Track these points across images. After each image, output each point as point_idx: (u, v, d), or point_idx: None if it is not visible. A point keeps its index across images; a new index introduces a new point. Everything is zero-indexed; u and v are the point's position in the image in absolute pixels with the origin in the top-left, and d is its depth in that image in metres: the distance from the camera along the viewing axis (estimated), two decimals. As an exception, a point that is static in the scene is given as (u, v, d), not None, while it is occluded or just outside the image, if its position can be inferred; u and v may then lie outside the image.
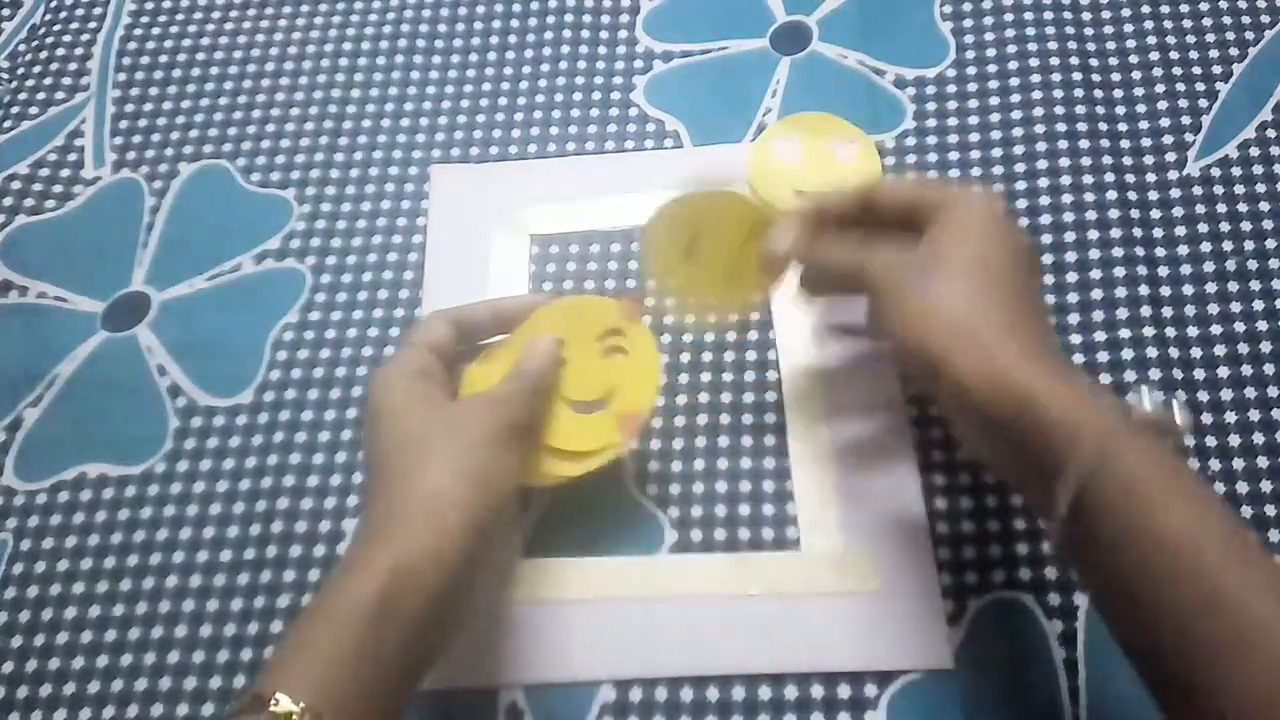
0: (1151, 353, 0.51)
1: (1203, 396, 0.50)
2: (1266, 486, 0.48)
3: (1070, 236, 0.54)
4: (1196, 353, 0.51)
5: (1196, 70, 0.59)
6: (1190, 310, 0.52)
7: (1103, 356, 0.51)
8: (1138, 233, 0.54)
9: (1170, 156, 0.57)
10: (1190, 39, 0.60)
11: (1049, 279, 0.53)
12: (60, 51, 0.67)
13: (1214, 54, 0.60)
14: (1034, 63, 0.60)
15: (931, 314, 0.41)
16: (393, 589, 0.37)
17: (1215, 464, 0.49)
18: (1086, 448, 0.36)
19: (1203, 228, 0.55)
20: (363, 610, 0.37)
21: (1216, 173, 0.56)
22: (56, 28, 0.68)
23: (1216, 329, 0.52)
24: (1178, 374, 0.51)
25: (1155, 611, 0.36)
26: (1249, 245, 0.54)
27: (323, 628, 0.37)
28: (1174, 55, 0.60)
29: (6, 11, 0.70)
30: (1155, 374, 0.50)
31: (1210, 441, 0.49)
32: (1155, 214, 0.55)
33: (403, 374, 0.44)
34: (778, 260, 0.46)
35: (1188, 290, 0.53)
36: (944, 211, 0.44)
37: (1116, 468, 0.36)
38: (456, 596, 0.39)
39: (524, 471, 0.45)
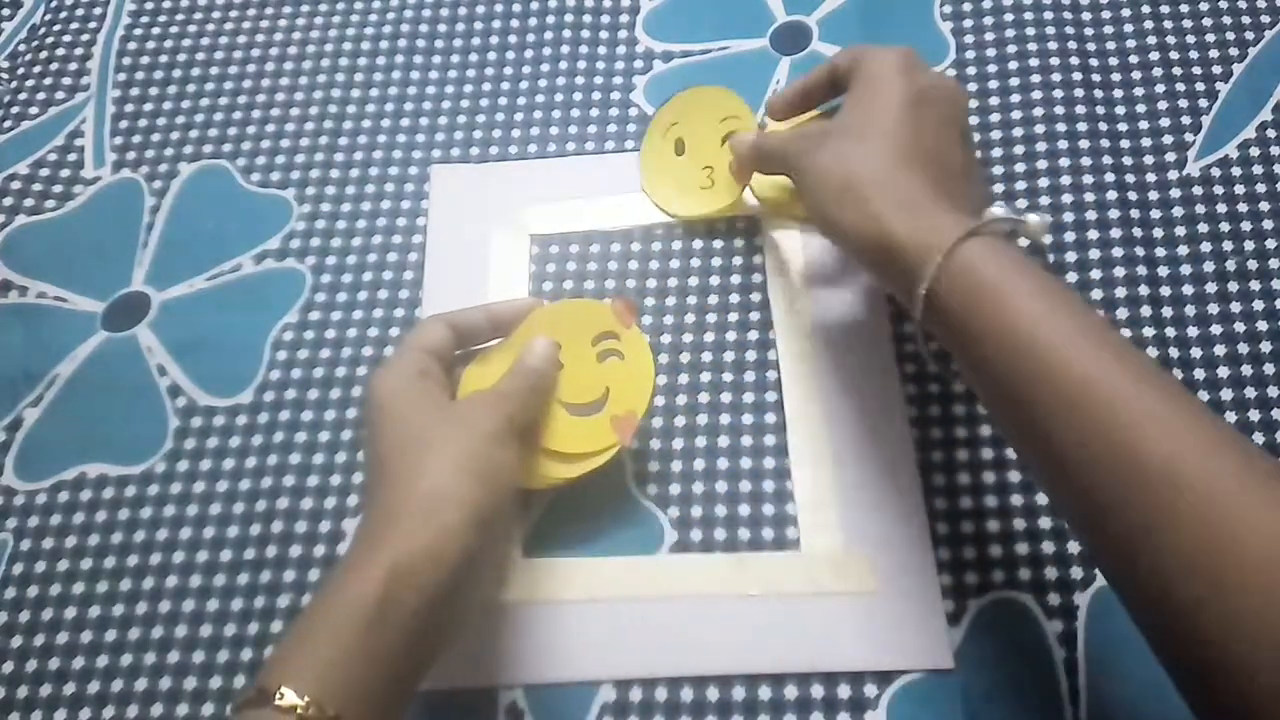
0: (1151, 353, 0.51)
1: (1203, 396, 0.50)
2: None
3: (1070, 236, 0.54)
4: (1196, 353, 0.51)
5: (1196, 70, 0.59)
6: (1190, 310, 0.52)
7: (1103, 356, 0.51)
8: (1138, 233, 0.54)
9: (1170, 156, 0.57)
10: (1190, 39, 0.60)
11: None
12: (60, 51, 0.67)
13: (1214, 54, 0.60)
14: (1034, 63, 0.60)
15: (824, 174, 0.45)
16: (393, 587, 0.37)
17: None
18: (932, 258, 0.40)
19: (1203, 228, 0.55)
20: (363, 608, 0.37)
21: (1216, 173, 0.56)
22: (56, 28, 0.68)
23: (1216, 329, 0.52)
24: (1178, 373, 0.51)
25: (1012, 402, 0.38)
26: (1249, 245, 0.54)
27: (324, 626, 0.37)
28: (1174, 55, 0.60)
29: (6, 11, 0.70)
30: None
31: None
32: (1155, 214, 0.55)
33: (401, 375, 0.44)
34: (742, 157, 0.54)
35: (1188, 290, 0.53)
36: (854, 72, 0.48)
37: (955, 267, 0.40)
38: (457, 594, 0.40)
39: (521, 474, 0.45)
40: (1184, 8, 0.61)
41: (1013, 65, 0.60)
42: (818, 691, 0.45)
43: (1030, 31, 0.61)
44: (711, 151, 0.57)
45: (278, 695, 0.35)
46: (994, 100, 0.59)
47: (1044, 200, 0.55)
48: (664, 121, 0.59)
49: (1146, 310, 0.52)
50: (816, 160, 0.46)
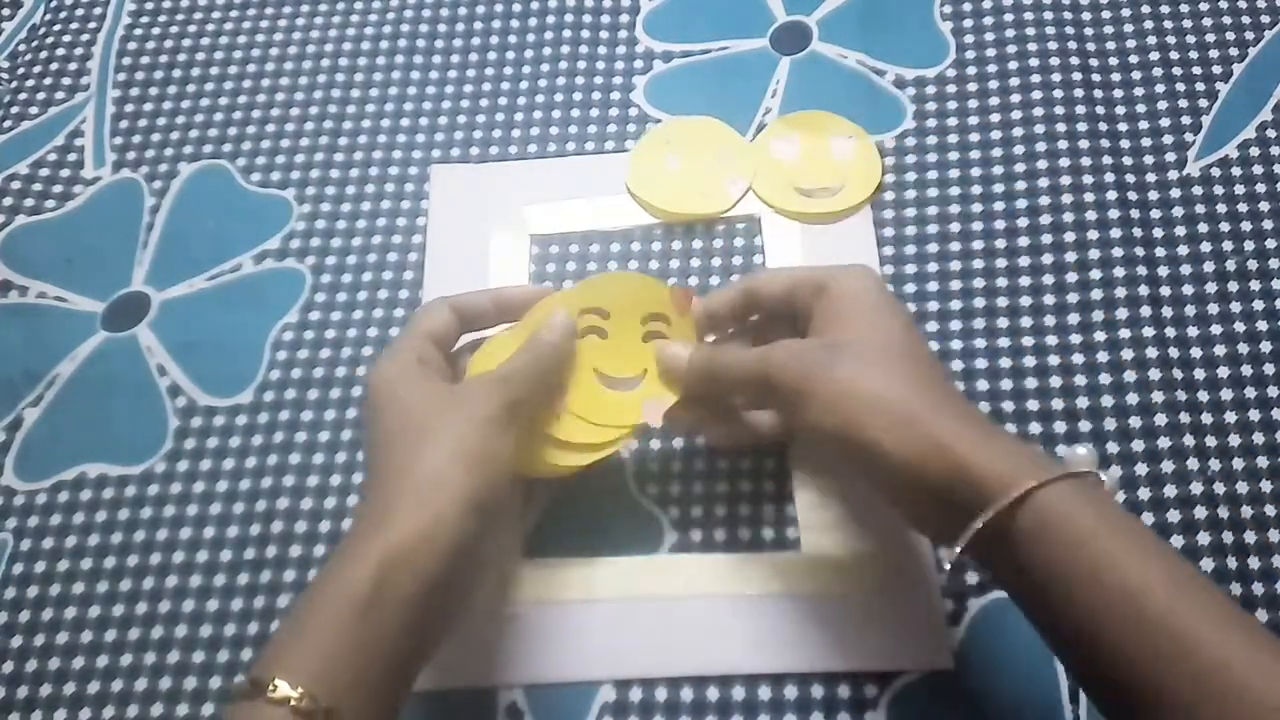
0: (1151, 353, 0.51)
1: (1203, 396, 0.50)
2: (1267, 486, 0.48)
3: (1070, 236, 0.54)
4: (1196, 353, 0.51)
5: (1196, 70, 0.59)
6: (1190, 310, 0.52)
7: (1102, 356, 0.51)
8: (1138, 233, 0.54)
9: (1170, 156, 0.57)
10: (1190, 39, 0.60)
11: (1049, 279, 0.53)
12: (60, 51, 0.67)
13: (1214, 54, 0.60)
14: (1034, 63, 0.60)
15: (851, 397, 0.40)
16: (386, 574, 0.37)
17: (1215, 464, 0.49)
18: (1008, 491, 0.36)
19: (1203, 228, 0.55)
20: (356, 597, 0.36)
21: (1216, 173, 0.56)
22: (56, 28, 0.68)
23: (1216, 329, 0.52)
24: (1177, 374, 0.51)
25: (1093, 646, 0.35)
26: (1249, 245, 0.54)
27: (317, 616, 0.37)
28: (1174, 55, 0.60)
29: (6, 11, 0.70)
30: (1155, 374, 0.50)
31: (1210, 441, 0.49)
32: (1155, 214, 0.55)
33: (401, 360, 0.43)
34: (677, 374, 0.46)
35: (1188, 290, 0.53)
36: (826, 294, 0.43)
37: (1040, 505, 0.36)
38: (453, 582, 0.39)
39: (523, 461, 0.44)
40: (1184, 8, 0.61)
41: (1013, 65, 0.60)
42: (818, 691, 0.45)
43: (1030, 31, 0.61)
44: (634, 352, 0.48)
45: (271, 687, 0.34)
46: (994, 100, 0.59)
47: (1044, 200, 0.55)
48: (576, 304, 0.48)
49: (1146, 310, 0.52)
50: (834, 381, 0.40)
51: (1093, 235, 0.54)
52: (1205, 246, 0.54)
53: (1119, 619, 0.34)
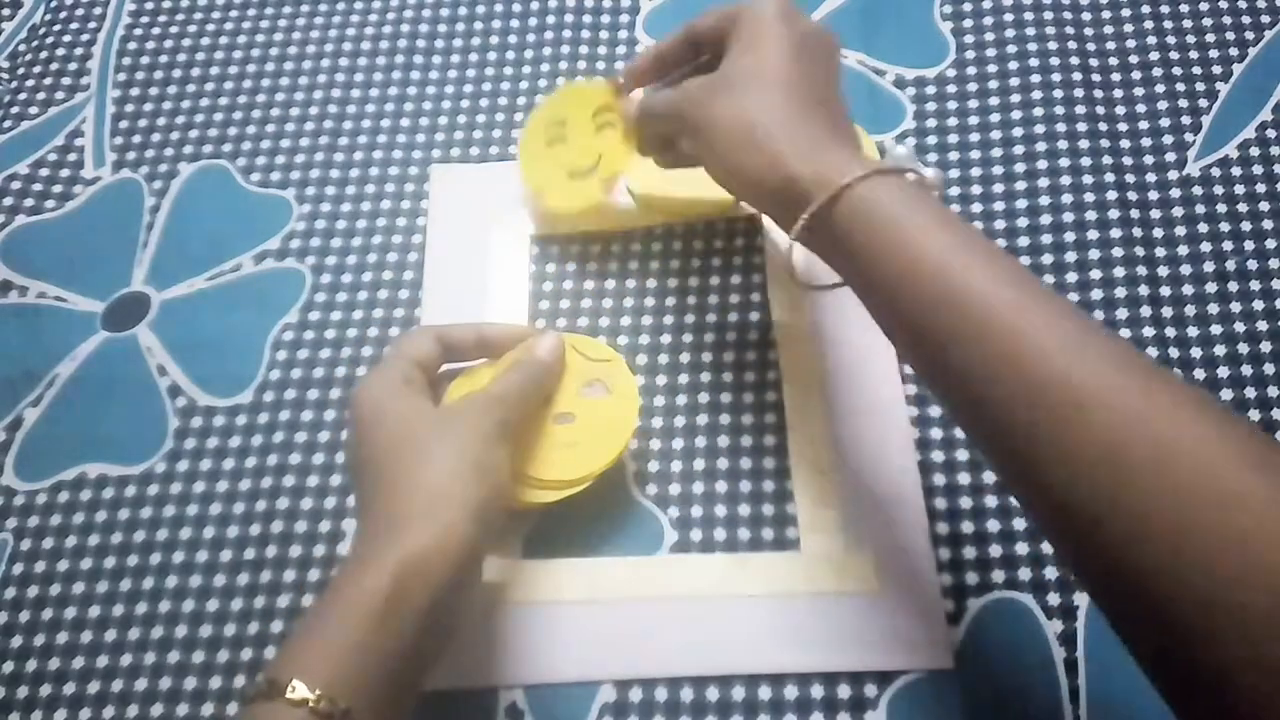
0: (1151, 352, 0.51)
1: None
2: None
3: (1070, 236, 0.54)
4: (1196, 353, 0.51)
5: (1196, 70, 0.59)
6: (1190, 310, 0.52)
7: (1103, 356, 0.51)
8: (1138, 233, 0.54)
9: (1170, 156, 0.57)
10: (1190, 39, 0.60)
11: (1049, 279, 0.53)
12: (60, 51, 0.67)
13: (1214, 54, 0.60)
14: (1034, 63, 0.60)
15: (722, 124, 0.44)
16: (401, 583, 0.38)
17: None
18: (828, 188, 0.40)
19: (1202, 228, 0.55)
20: (374, 604, 0.37)
21: (1216, 173, 0.56)
22: (56, 28, 0.68)
23: (1216, 329, 0.52)
24: (1178, 373, 0.51)
25: (915, 329, 0.38)
26: (1249, 245, 0.54)
27: (334, 621, 0.38)
28: (1174, 55, 0.60)
29: (6, 11, 0.70)
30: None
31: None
32: (1155, 214, 0.55)
33: (385, 383, 0.45)
34: (629, 122, 0.52)
35: (1188, 290, 0.53)
36: (735, 23, 0.46)
37: (856, 196, 0.39)
38: (461, 588, 0.40)
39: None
40: (1184, 8, 0.61)
41: (1013, 65, 0.60)
42: (818, 691, 0.45)
43: (1030, 31, 0.61)
44: (587, 143, 0.55)
45: (289, 688, 0.35)
46: (994, 100, 0.59)
47: (1044, 200, 0.55)
48: (542, 118, 0.57)
49: (1146, 310, 0.52)
50: (712, 111, 0.44)
51: (1093, 235, 0.54)
52: (1205, 246, 0.54)
53: (918, 291, 0.38)
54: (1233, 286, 0.53)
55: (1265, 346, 0.51)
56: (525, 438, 0.47)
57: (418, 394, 0.45)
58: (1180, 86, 0.59)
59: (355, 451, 0.44)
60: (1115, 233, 0.54)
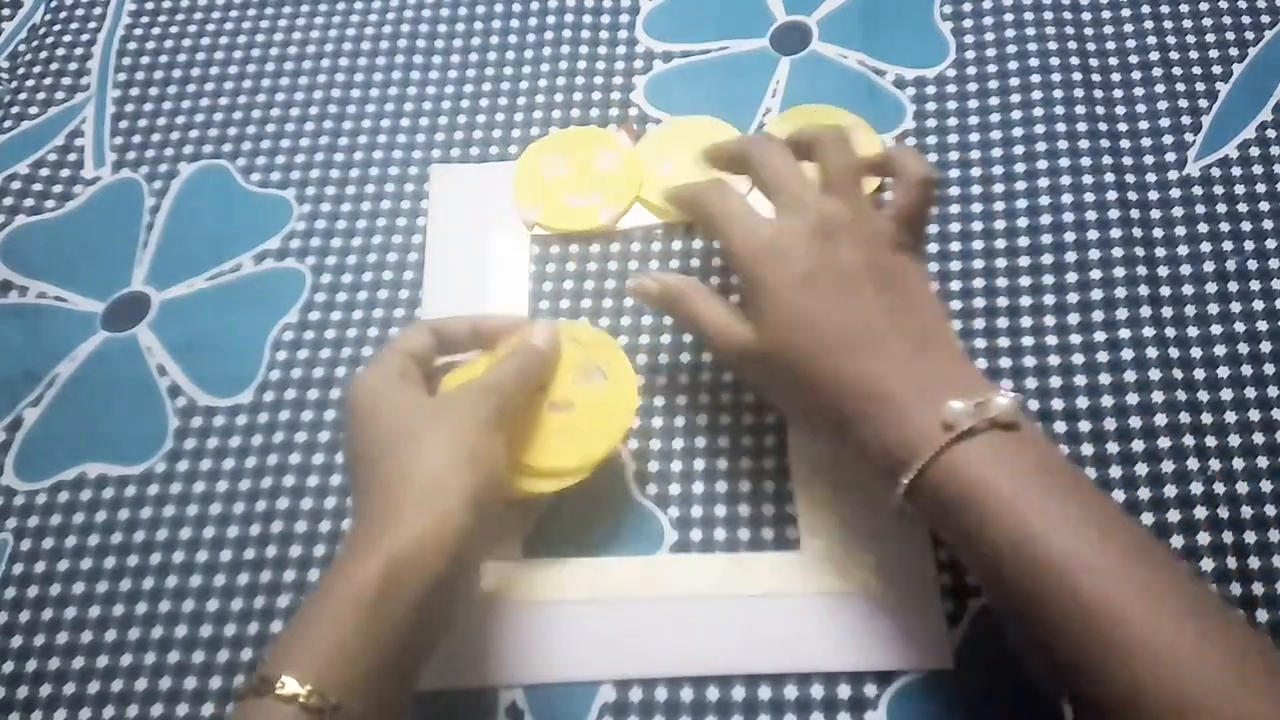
0: (1151, 353, 0.51)
1: (1203, 396, 0.50)
2: (1267, 486, 0.48)
3: (1070, 236, 0.54)
4: (1196, 352, 0.51)
5: (1196, 70, 0.59)
6: (1190, 310, 0.52)
7: (1102, 356, 0.51)
8: (1137, 232, 0.54)
9: (1170, 156, 0.57)
10: (1190, 39, 0.60)
11: (1049, 279, 0.53)
12: (60, 51, 0.67)
13: (1214, 54, 0.60)
14: (1034, 62, 0.60)
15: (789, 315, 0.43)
16: (394, 575, 0.38)
17: (1215, 464, 0.49)
18: (920, 453, 0.39)
19: (1202, 227, 0.55)
20: (365, 597, 0.37)
21: (1216, 173, 0.56)
22: (56, 28, 0.68)
23: (1217, 329, 0.52)
24: (1177, 374, 0.51)
25: (1007, 600, 0.39)
26: (1249, 245, 0.54)
27: (325, 615, 0.37)
28: (1174, 55, 0.60)
29: (6, 11, 0.70)
30: (1155, 374, 0.50)
31: (1210, 441, 0.49)
32: (1155, 214, 0.55)
33: (381, 376, 0.44)
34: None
35: (1187, 290, 0.53)
36: (753, 286, 0.45)
37: (944, 465, 0.39)
38: (456, 581, 0.40)
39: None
40: (1184, 7, 0.61)
41: (1013, 65, 0.60)
42: (818, 691, 0.45)
43: (1030, 31, 0.61)
44: (588, 182, 0.58)
45: (279, 684, 0.35)
46: (994, 100, 0.59)
47: (1044, 200, 0.55)
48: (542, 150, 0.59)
49: (1146, 310, 0.52)
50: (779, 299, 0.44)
51: (1092, 235, 0.54)
52: (1205, 246, 0.54)
53: (1038, 589, 0.37)
54: (1233, 286, 0.53)
55: (1265, 346, 0.51)
56: (522, 426, 0.47)
57: (412, 387, 0.44)
58: (1180, 86, 0.59)
59: (350, 447, 0.44)
60: (1115, 233, 0.54)
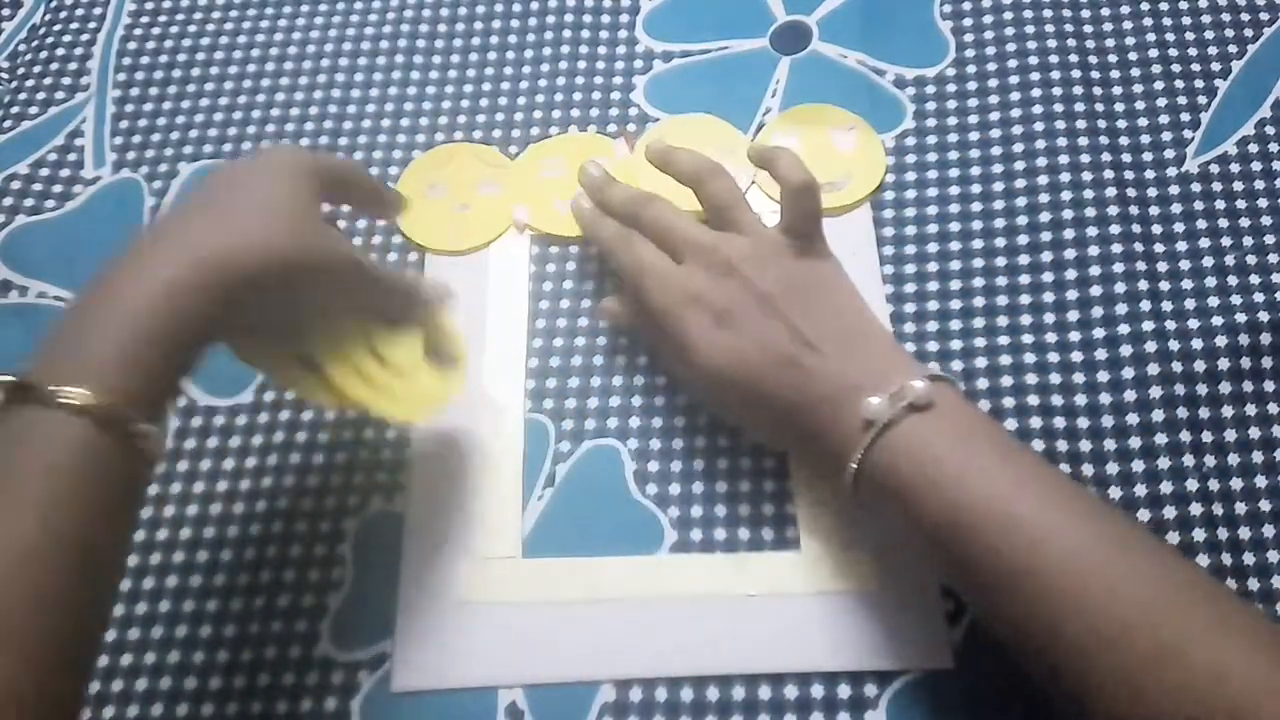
0: (1150, 347, 0.51)
1: (1201, 390, 0.50)
2: (1261, 482, 0.48)
3: (1070, 235, 0.54)
4: (1197, 345, 0.51)
5: (1196, 67, 0.59)
6: (1190, 304, 0.52)
7: (1101, 354, 0.51)
8: (1137, 229, 0.54)
9: (1169, 154, 0.57)
10: (1190, 36, 0.60)
11: (1048, 278, 0.53)
12: (60, 51, 0.67)
13: (1213, 51, 0.60)
14: (1034, 62, 0.60)
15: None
16: (210, 267, 0.38)
17: (1210, 460, 0.49)
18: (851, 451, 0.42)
19: (1201, 225, 0.55)
20: (155, 308, 0.36)
21: (1215, 170, 0.56)
22: (56, 28, 0.68)
23: (1217, 322, 0.52)
24: (1177, 367, 0.50)
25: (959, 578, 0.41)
26: (1248, 242, 0.54)
27: (108, 324, 0.36)
28: (1173, 53, 0.60)
29: (6, 11, 0.70)
30: (1154, 369, 0.50)
31: (1206, 438, 0.49)
32: (1154, 211, 0.55)
33: (300, 159, 0.43)
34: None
35: (1186, 285, 0.53)
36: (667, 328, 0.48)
37: (875, 460, 0.41)
38: (283, 292, 0.41)
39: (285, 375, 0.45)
40: (1183, 5, 0.61)
41: (1012, 65, 0.60)
42: (818, 691, 0.45)
43: (1030, 30, 0.61)
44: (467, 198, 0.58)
45: (64, 394, 0.34)
46: (994, 100, 0.59)
47: (1044, 199, 0.55)
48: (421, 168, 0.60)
49: (1146, 305, 0.52)
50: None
51: (1092, 233, 0.54)
52: (1204, 243, 0.54)
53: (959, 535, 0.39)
54: (1232, 282, 0.53)
55: (1265, 339, 0.51)
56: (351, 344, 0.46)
57: (312, 189, 0.43)
58: (1179, 84, 0.59)
59: (203, 180, 0.43)
60: (1115, 230, 0.54)
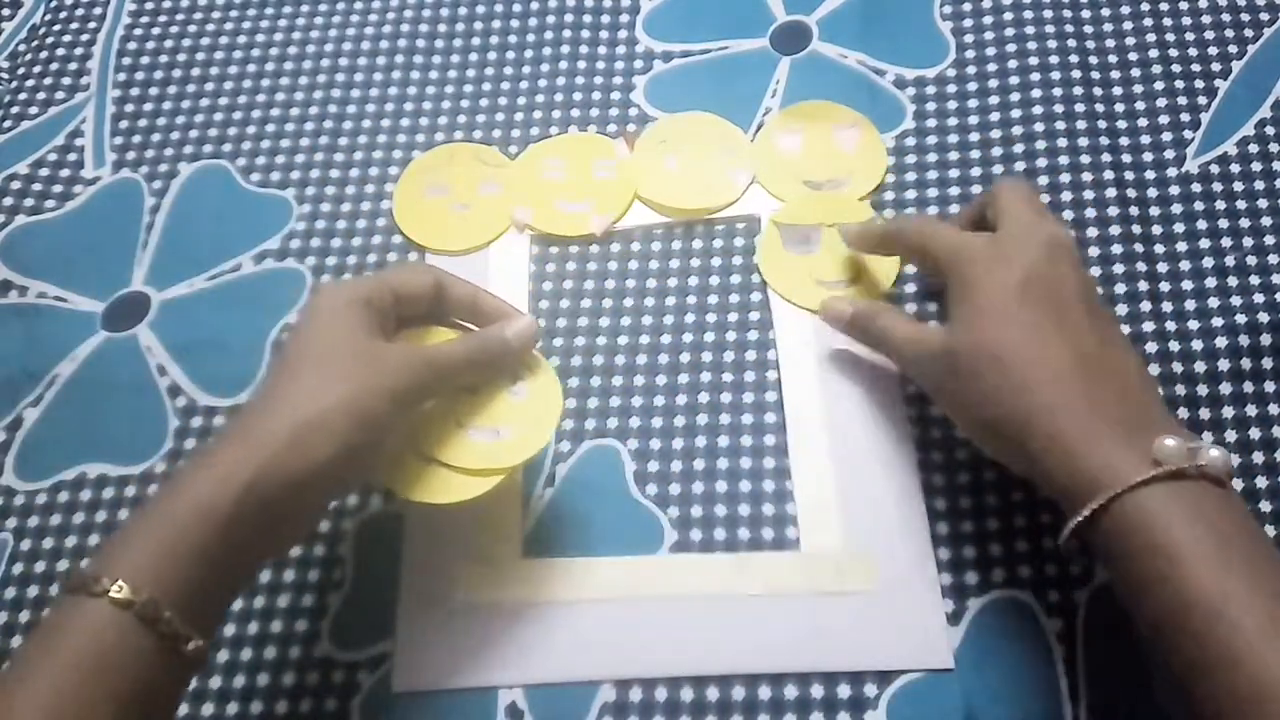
0: (1150, 348, 0.51)
1: (1201, 390, 0.50)
2: (1261, 482, 0.48)
3: (1070, 234, 0.54)
4: (1196, 345, 0.51)
5: (1196, 68, 0.59)
6: (1190, 305, 0.52)
7: (1102, 355, 0.51)
8: (1137, 230, 0.54)
9: (1169, 154, 0.57)
10: (1190, 36, 0.60)
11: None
12: (60, 51, 0.67)
13: (1213, 51, 0.60)
14: (1034, 61, 0.60)
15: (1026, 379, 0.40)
16: (249, 502, 0.38)
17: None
18: (1095, 496, 0.37)
19: (1201, 225, 0.55)
20: (215, 515, 0.37)
21: (1215, 170, 0.56)
22: (56, 28, 0.68)
23: (1217, 321, 0.52)
24: (1177, 367, 0.50)
25: (1170, 664, 0.36)
26: (1248, 242, 0.54)
27: (169, 523, 0.37)
28: (1173, 53, 0.60)
29: (6, 11, 0.70)
30: (1154, 369, 0.50)
31: (1206, 437, 0.49)
32: (1154, 211, 0.55)
33: (350, 294, 0.43)
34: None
35: (1186, 286, 0.53)
36: (966, 281, 0.44)
37: (1123, 511, 0.37)
38: (313, 517, 0.43)
39: (397, 478, 0.44)
40: (1184, 5, 0.61)
41: (1012, 64, 0.60)
42: (818, 691, 0.45)
43: (1030, 30, 0.61)
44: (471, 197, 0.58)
45: (116, 588, 0.35)
46: (994, 100, 0.59)
47: (1043, 199, 0.55)
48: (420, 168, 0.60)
49: (1146, 305, 0.52)
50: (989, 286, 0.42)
51: (1092, 233, 0.54)
52: (1204, 243, 0.54)
53: (1169, 630, 0.35)
54: (1232, 283, 0.53)
55: (1265, 339, 0.51)
56: (441, 420, 0.45)
57: (367, 320, 0.42)
58: (1180, 84, 0.59)
59: (284, 346, 0.43)
60: (1115, 230, 0.54)
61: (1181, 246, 0.54)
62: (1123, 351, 0.42)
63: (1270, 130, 0.57)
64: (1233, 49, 0.60)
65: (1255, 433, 0.49)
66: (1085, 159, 0.56)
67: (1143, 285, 0.53)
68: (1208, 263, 0.53)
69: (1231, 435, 0.49)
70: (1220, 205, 0.55)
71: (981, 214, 0.48)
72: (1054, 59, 0.60)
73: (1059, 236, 0.44)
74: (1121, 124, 0.58)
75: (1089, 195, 0.55)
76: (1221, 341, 0.51)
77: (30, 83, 0.66)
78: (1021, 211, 0.45)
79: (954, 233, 0.46)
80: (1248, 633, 0.33)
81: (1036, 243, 0.43)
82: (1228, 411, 0.50)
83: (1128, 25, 0.61)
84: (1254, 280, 0.53)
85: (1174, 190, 0.56)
